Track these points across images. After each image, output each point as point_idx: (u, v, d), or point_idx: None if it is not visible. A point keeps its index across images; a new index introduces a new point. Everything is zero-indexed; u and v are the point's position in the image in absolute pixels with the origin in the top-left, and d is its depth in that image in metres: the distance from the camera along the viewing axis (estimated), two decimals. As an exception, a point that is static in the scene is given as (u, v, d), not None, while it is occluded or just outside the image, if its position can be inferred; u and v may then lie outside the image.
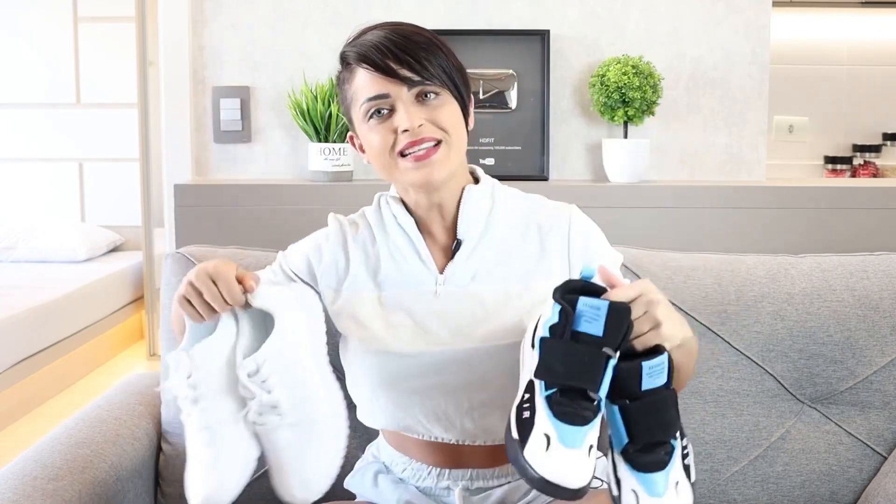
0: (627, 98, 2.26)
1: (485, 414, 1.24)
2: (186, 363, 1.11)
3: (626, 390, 1.03)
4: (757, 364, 1.53)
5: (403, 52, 1.18)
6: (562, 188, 2.34)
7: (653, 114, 2.34)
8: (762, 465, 1.53)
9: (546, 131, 2.41)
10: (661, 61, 2.43)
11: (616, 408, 1.04)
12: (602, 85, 2.29)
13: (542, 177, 2.41)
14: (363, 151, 1.27)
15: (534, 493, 1.28)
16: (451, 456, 1.28)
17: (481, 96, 2.38)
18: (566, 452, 0.97)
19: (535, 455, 0.97)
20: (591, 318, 1.01)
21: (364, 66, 1.19)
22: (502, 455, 1.27)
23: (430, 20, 2.36)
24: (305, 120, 2.34)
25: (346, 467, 1.45)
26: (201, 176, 2.50)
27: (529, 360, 1.09)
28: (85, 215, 5.02)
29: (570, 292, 1.05)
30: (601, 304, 1.00)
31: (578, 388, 1.00)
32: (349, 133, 1.29)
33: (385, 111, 1.19)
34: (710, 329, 1.53)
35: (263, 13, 2.45)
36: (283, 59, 2.46)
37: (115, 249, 5.04)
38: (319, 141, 2.36)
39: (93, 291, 4.29)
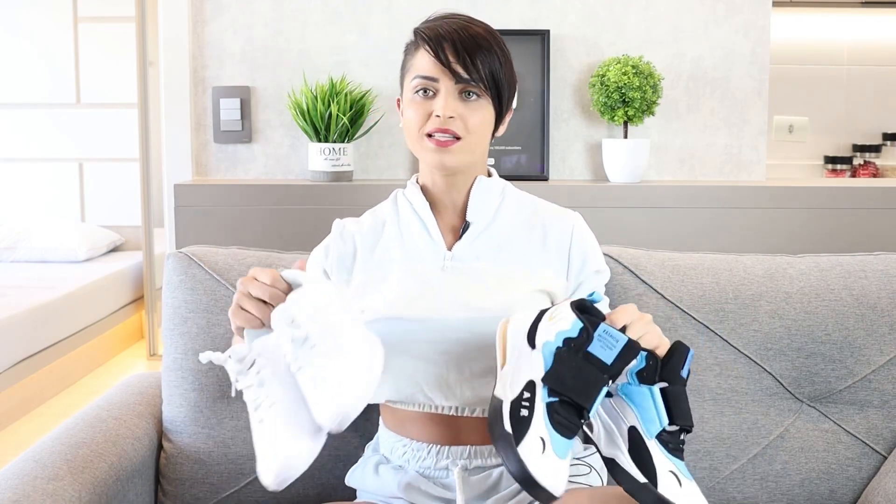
0: (627, 98, 2.27)
1: (484, 383, 1.30)
2: (250, 355, 1.19)
3: (668, 374, 1.11)
4: (755, 363, 1.53)
5: (464, 49, 1.31)
6: (562, 188, 2.34)
7: (653, 114, 2.34)
8: (761, 464, 1.53)
9: (546, 131, 2.41)
10: (661, 61, 2.43)
11: (655, 390, 1.10)
12: (602, 85, 2.29)
13: (542, 177, 2.41)
14: (403, 116, 1.40)
15: None
16: (449, 429, 1.32)
17: (481, 96, 2.38)
18: (556, 460, 1.03)
19: (531, 455, 1.03)
20: (607, 346, 1.08)
21: (427, 48, 1.32)
22: None
23: (430, 20, 2.36)
24: (305, 120, 2.34)
25: (347, 466, 1.46)
26: (201, 176, 2.50)
27: (528, 358, 1.13)
28: (85, 215, 5.02)
29: (581, 311, 1.12)
30: (620, 338, 1.08)
31: (578, 404, 1.06)
32: (398, 97, 1.41)
33: (430, 93, 1.33)
34: (708, 328, 1.53)
35: (263, 13, 2.46)
36: (283, 59, 2.46)
37: (115, 249, 5.03)
38: (319, 141, 2.36)
39: (93, 291, 4.28)
